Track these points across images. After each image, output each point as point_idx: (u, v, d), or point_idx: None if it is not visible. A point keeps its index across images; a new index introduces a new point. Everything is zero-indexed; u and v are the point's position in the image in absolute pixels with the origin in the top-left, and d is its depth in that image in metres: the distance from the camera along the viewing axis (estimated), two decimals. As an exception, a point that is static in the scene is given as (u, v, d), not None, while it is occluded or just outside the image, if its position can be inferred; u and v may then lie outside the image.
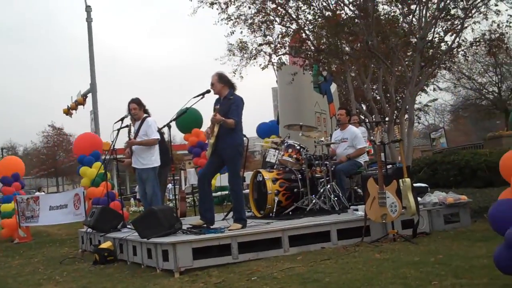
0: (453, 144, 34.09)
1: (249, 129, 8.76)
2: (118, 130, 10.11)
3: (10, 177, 15.96)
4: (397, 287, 5.19)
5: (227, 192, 17.04)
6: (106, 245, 9.16)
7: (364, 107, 23.75)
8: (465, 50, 17.23)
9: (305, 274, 6.20)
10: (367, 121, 17.84)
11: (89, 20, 22.95)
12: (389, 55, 16.15)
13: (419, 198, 8.75)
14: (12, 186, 15.80)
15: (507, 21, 16.02)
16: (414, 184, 8.58)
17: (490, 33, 16.33)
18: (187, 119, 16.69)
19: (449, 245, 7.37)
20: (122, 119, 10.14)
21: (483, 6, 15.88)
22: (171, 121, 9.08)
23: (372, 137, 12.56)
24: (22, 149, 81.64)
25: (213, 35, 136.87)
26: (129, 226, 9.84)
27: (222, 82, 8.58)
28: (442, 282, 5.15)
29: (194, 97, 8.76)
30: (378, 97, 21.13)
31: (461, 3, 15.60)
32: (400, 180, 8.07)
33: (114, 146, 10.22)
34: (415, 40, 15.98)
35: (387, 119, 17.60)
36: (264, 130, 23.19)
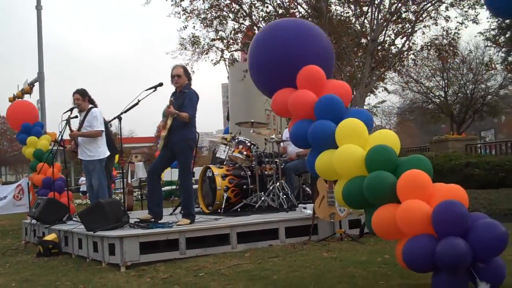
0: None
1: (198, 124, 8.69)
2: (67, 120, 9.91)
3: None
4: (345, 286, 5.21)
5: (175, 186, 17.02)
6: (50, 237, 8.99)
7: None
8: (415, 53, 17.54)
9: (253, 271, 6.19)
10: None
11: (38, 7, 22.40)
12: (341, 56, 16.31)
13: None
14: None
15: (455, 28, 16.39)
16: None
17: (442, 37, 16.67)
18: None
19: (395, 245, 7.41)
20: (71, 110, 9.92)
21: (434, 11, 16.22)
22: (121, 113, 8.93)
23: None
24: (-37, 136, 79.64)
25: (164, 29, 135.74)
26: (74, 219, 9.68)
27: (187, 75, 8.51)
28: (389, 282, 5.22)
29: (146, 89, 8.62)
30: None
31: (412, 7, 15.88)
32: (349, 180, 8.13)
33: (62, 136, 10.03)
34: (366, 41, 16.19)
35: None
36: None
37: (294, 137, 5.72)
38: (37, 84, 22.44)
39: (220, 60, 18.44)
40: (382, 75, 19.52)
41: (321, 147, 5.36)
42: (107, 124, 10.23)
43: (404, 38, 16.56)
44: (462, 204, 4.39)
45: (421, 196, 4.55)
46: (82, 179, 30.29)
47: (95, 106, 9.89)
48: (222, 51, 18.37)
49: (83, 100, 9.80)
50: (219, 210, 9.72)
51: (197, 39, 18.21)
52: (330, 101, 5.47)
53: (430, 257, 4.36)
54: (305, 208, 9.02)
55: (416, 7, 16.22)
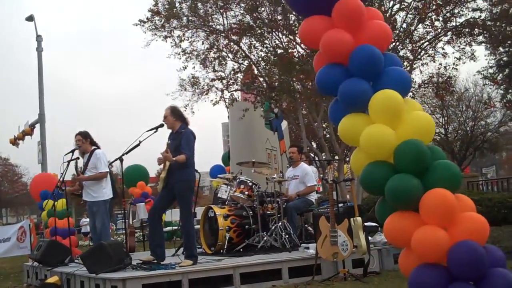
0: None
1: (199, 163, 8.76)
2: (68, 162, 9.97)
3: None
4: (349, 327, 5.19)
5: (176, 227, 16.96)
6: (52, 279, 8.93)
7: (315, 145, 23.97)
8: (413, 91, 17.63)
9: (257, 313, 6.16)
10: (316, 159, 17.97)
11: (39, 49, 22.67)
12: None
13: (369, 237, 8.81)
14: None
15: (453, 63, 16.54)
16: (365, 223, 8.65)
17: (438, 75, 16.79)
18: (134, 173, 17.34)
19: (399, 284, 7.40)
20: (72, 151, 10.00)
21: (431, 49, 16.37)
22: (123, 155, 8.98)
23: (325, 176, 12.66)
24: (-36, 178, 79.56)
25: (164, 70, 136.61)
26: (77, 261, 9.64)
27: (175, 116, 8.59)
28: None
29: (147, 130, 8.71)
30: (328, 135, 21.39)
31: (410, 45, 16.03)
32: (352, 219, 8.13)
33: (63, 178, 10.06)
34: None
35: (336, 157, 17.80)
36: (218, 172, 23.01)
37: (321, 83, 5.06)
38: (37, 126, 22.54)
39: (219, 100, 18.51)
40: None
41: (350, 107, 4.88)
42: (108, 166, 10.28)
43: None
44: (482, 250, 4.28)
45: (443, 221, 4.38)
46: (84, 220, 30.21)
47: (98, 147, 9.93)
48: (222, 91, 18.45)
49: (84, 141, 9.86)
50: (221, 251, 9.69)
51: (197, 80, 18.31)
52: (369, 56, 4.80)
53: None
54: (307, 248, 9.00)
55: (413, 46, 16.38)
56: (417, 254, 4.43)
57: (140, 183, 19.23)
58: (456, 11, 15.58)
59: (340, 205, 9.18)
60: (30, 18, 22.41)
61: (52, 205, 12.29)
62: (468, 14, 15.81)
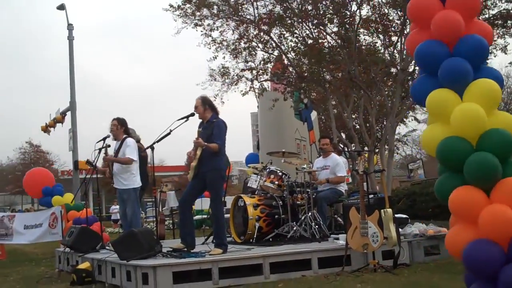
0: (430, 175, 34.25)
1: (228, 153, 8.80)
2: (100, 149, 10.06)
3: None
4: (380, 318, 5.17)
5: (206, 216, 17.05)
6: (84, 265, 9.03)
7: (344, 136, 23.87)
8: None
9: (287, 302, 6.17)
10: (346, 150, 17.92)
11: (70, 38, 22.83)
12: (370, 85, 16.33)
13: (400, 229, 8.77)
14: None
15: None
16: (395, 215, 8.61)
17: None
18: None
19: (429, 277, 7.39)
20: (104, 139, 10.08)
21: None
22: (154, 143, 9.04)
23: (354, 167, 12.62)
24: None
25: (195, 59, 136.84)
26: (107, 247, 9.75)
27: (205, 106, 8.61)
28: (425, 314, 5.16)
29: (178, 119, 8.74)
30: (357, 126, 21.30)
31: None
32: (382, 210, 8.10)
33: (95, 165, 10.15)
34: (396, 71, 16.18)
35: (366, 148, 17.74)
36: (253, 160, 23.05)
37: (422, 55, 5.24)
38: (69, 113, 22.74)
39: (249, 90, 18.51)
40: (412, 105, 19.43)
41: (450, 83, 5.04)
42: (143, 156, 10.36)
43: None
44: None
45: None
46: (113, 207, 30.52)
47: (130, 137, 10.00)
48: (251, 81, 18.45)
49: (120, 128, 9.94)
50: (251, 240, 9.72)
51: (227, 70, 18.34)
52: (481, 45, 5.04)
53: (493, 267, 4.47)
54: (337, 238, 8.99)
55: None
56: (485, 230, 4.53)
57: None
58: (489, 2, 15.36)
59: (371, 196, 9.16)
60: (62, 7, 22.56)
61: (72, 199, 12.55)
62: (501, 6, 15.56)
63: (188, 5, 16.91)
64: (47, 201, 14.42)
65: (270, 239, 9.85)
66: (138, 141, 10.66)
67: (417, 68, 16.38)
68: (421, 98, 5.18)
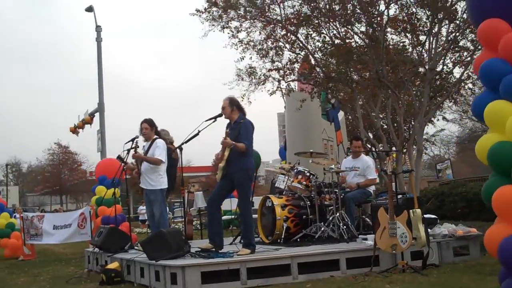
0: (458, 175, 33.97)
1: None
2: (128, 150, 10.13)
3: None
4: (410, 319, 5.14)
5: (233, 216, 17.07)
6: (113, 265, 9.10)
7: (371, 136, 23.74)
8: (473, 82, 17.30)
9: (316, 302, 6.16)
10: (374, 150, 17.84)
11: (98, 40, 23.09)
12: (398, 85, 16.22)
13: (429, 230, 8.70)
14: None
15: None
16: (424, 215, 8.54)
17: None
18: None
19: (459, 277, 7.32)
20: (133, 139, 10.15)
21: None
22: (182, 143, 9.09)
23: (383, 167, 12.56)
24: (26, 165, 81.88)
25: (221, 60, 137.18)
26: (136, 248, 9.82)
27: (233, 107, 8.64)
28: (455, 315, 5.11)
29: (206, 120, 8.78)
30: (385, 126, 21.17)
31: (470, 35, 15.70)
32: (411, 211, 8.05)
33: (124, 166, 10.23)
34: (424, 70, 16.06)
35: (394, 148, 17.62)
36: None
37: (485, 71, 5.62)
38: (97, 115, 22.95)
39: (276, 90, 18.46)
40: (440, 104, 19.26)
41: (507, 96, 5.31)
42: (173, 158, 10.41)
43: (463, 67, 16.36)
44: None
45: None
46: (141, 208, 30.70)
47: (160, 138, 10.06)
48: (278, 81, 18.41)
49: (150, 129, 10.01)
50: (278, 240, 9.73)
51: (254, 70, 18.31)
52: None
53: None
54: (365, 239, 8.95)
55: (474, 36, 16.03)
56: None
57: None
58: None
59: (399, 196, 9.11)
60: (90, 9, 22.78)
61: (105, 193, 12.58)
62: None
63: (214, 8, 16.93)
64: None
65: (298, 240, 9.85)
66: (171, 142, 10.73)
67: (445, 67, 16.28)
68: (481, 112, 5.47)
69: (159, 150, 9.78)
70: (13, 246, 14.98)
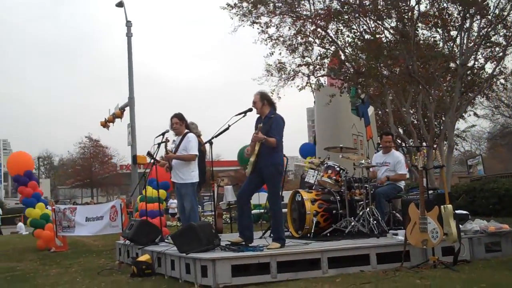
0: (490, 171, 33.65)
1: (285, 148, 8.80)
2: (159, 144, 10.18)
3: (23, 176, 15.91)
4: (441, 314, 5.11)
5: (262, 210, 17.10)
6: (144, 258, 9.19)
7: (401, 131, 23.61)
8: (506, 77, 17.12)
9: (346, 297, 6.16)
10: (404, 145, 17.74)
11: (129, 35, 23.15)
12: (429, 80, 16.11)
13: (460, 225, 8.65)
14: (29, 186, 15.91)
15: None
16: (455, 211, 8.48)
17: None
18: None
19: (491, 274, 7.27)
20: (163, 134, 10.20)
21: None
22: (213, 138, 9.14)
23: (414, 162, 12.49)
24: (57, 159, 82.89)
25: (251, 56, 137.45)
26: (166, 240, 9.90)
27: (264, 101, 8.65)
28: (487, 311, 5.07)
29: (236, 115, 8.82)
30: (415, 122, 21.03)
31: (502, 30, 15.53)
32: (442, 206, 8.00)
33: (155, 160, 10.30)
34: (455, 65, 15.93)
35: (424, 144, 17.50)
36: (307, 151, 23.07)
37: None
38: (127, 109, 23.10)
39: (306, 85, 18.44)
40: (472, 100, 19.08)
41: None
42: (202, 151, 10.45)
43: (495, 63, 16.19)
44: None
45: None
46: (171, 201, 30.85)
47: (191, 131, 10.11)
48: (308, 76, 18.38)
49: (181, 124, 10.06)
50: (308, 235, 9.74)
51: (283, 65, 18.30)
52: None
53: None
54: (396, 234, 8.92)
55: (506, 31, 15.83)
56: None
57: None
58: None
59: (430, 192, 9.05)
60: (120, 4, 22.89)
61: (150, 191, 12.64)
62: None
63: (244, 4, 16.95)
64: None
65: (328, 234, 9.85)
66: (199, 136, 10.77)
67: (476, 62, 16.12)
68: None
69: (192, 145, 9.83)
70: (47, 238, 15.13)
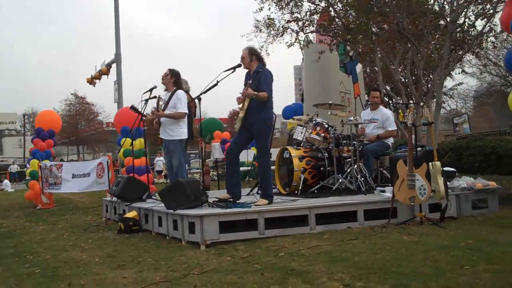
0: (475, 130, 33.81)
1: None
2: (147, 100, 10.11)
3: (45, 132, 16.26)
4: (428, 270, 5.11)
5: (249, 167, 17.11)
6: (131, 214, 9.19)
7: (389, 89, 23.56)
8: (495, 35, 17.05)
9: (333, 253, 6.16)
10: (391, 103, 17.71)
11: (115, -11, 22.91)
12: (418, 37, 16.00)
13: (447, 182, 8.65)
14: (45, 142, 16.00)
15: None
16: (443, 168, 8.49)
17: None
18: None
19: (477, 230, 7.30)
20: (150, 90, 10.12)
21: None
22: (201, 94, 9.03)
23: (402, 119, 12.46)
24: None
25: (239, 11, 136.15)
26: (154, 197, 9.87)
27: (252, 56, 8.55)
28: (475, 267, 5.08)
29: (225, 71, 8.71)
30: (403, 79, 20.97)
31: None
32: (430, 163, 8.00)
33: (142, 116, 10.21)
34: (445, 23, 15.81)
35: (411, 102, 17.48)
36: (290, 113, 23.04)
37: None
38: (114, 65, 22.93)
39: (295, 42, 18.26)
40: (461, 58, 19.01)
41: None
42: (189, 106, 10.36)
43: (485, 20, 16.07)
44: None
45: None
46: (157, 159, 30.87)
47: (181, 89, 9.99)
48: (297, 32, 18.19)
49: (170, 79, 9.93)
50: (296, 192, 9.71)
51: (272, 21, 18.09)
52: None
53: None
54: (383, 191, 8.92)
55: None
56: None
57: (216, 133, 19.61)
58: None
59: (418, 149, 9.05)
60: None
61: (130, 143, 12.57)
62: None
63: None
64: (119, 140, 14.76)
65: (315, 191, 9.83)
66: (187, 92, 10.66)
67: (467, 20, 16.00)
68: None
69: (181, 103, 9.74)
70: (38, 190, 15.13)
